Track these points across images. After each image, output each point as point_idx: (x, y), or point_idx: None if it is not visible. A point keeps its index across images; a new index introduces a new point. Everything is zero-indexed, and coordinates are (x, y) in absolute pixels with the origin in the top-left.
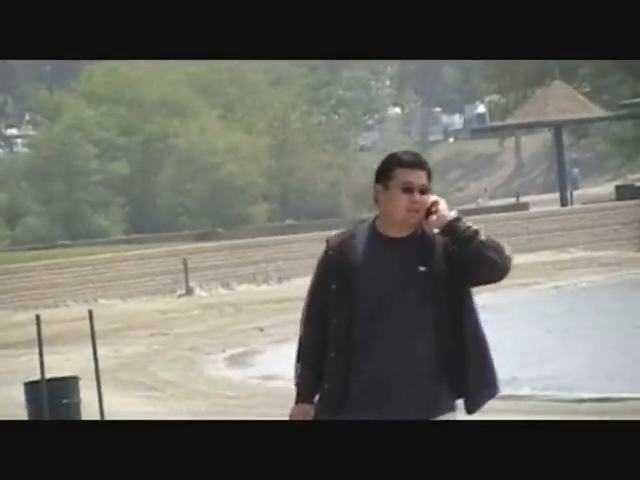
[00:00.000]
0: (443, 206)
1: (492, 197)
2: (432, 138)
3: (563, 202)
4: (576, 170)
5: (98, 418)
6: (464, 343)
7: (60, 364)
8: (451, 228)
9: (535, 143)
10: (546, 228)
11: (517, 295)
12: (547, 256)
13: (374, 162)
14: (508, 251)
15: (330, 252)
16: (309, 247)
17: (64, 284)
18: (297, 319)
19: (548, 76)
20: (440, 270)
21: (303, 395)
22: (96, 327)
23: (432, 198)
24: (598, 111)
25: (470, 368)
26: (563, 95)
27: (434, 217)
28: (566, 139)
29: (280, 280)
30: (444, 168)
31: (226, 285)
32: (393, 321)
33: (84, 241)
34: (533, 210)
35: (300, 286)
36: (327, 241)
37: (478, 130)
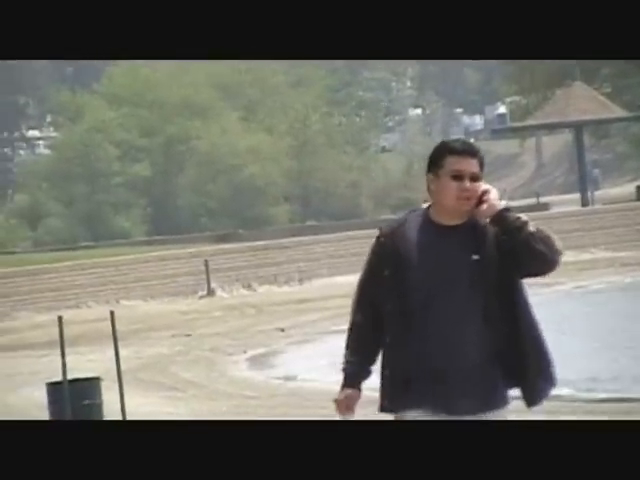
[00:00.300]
0: (494, 195)
1: (512, 198)
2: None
3: (584, 202)
4: (597, 171)
5: (120, 419)
6: (519, 332)
7: (82, 365)
8: (500, 218)
9: (556, 144)
10: (567, 228)
11: (540, 295)
12: (568, 256)
13: (395, 163)
14: (558, 244)
15: (382, 239)
16: (330, 248)
17: (86, 285)
18: (318, 319)
19: (569, 77)
20: (492, 259)
21: (350, 380)
22: (118, 328)
23: (483, 187)
24: (619, 112)
25: (529, 358)
26: (584, 96)
27: (484, 206)
28: (587, 140)
29: (301, 281)
30: None
31: (247, 286)
32: (444, 308)
33: (106, 242)
34: (554, 210)
35: (321, 287)
36: (380, 229)
37: (499, 131)
